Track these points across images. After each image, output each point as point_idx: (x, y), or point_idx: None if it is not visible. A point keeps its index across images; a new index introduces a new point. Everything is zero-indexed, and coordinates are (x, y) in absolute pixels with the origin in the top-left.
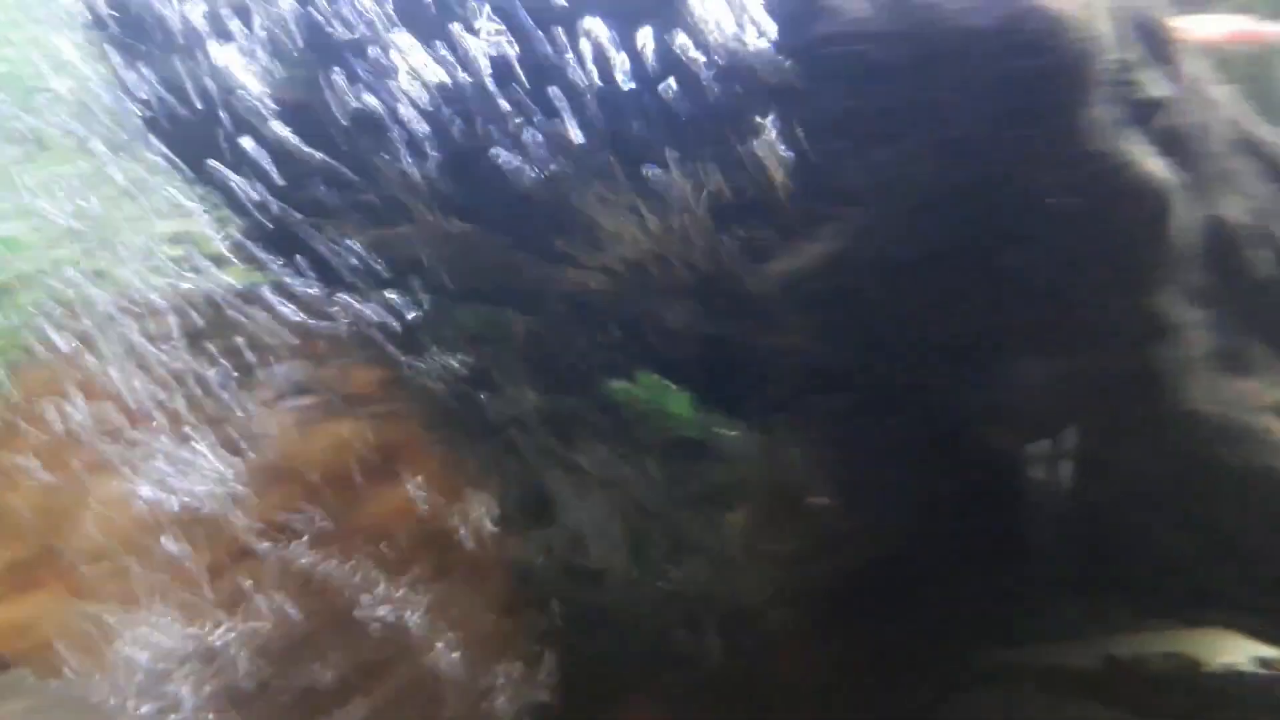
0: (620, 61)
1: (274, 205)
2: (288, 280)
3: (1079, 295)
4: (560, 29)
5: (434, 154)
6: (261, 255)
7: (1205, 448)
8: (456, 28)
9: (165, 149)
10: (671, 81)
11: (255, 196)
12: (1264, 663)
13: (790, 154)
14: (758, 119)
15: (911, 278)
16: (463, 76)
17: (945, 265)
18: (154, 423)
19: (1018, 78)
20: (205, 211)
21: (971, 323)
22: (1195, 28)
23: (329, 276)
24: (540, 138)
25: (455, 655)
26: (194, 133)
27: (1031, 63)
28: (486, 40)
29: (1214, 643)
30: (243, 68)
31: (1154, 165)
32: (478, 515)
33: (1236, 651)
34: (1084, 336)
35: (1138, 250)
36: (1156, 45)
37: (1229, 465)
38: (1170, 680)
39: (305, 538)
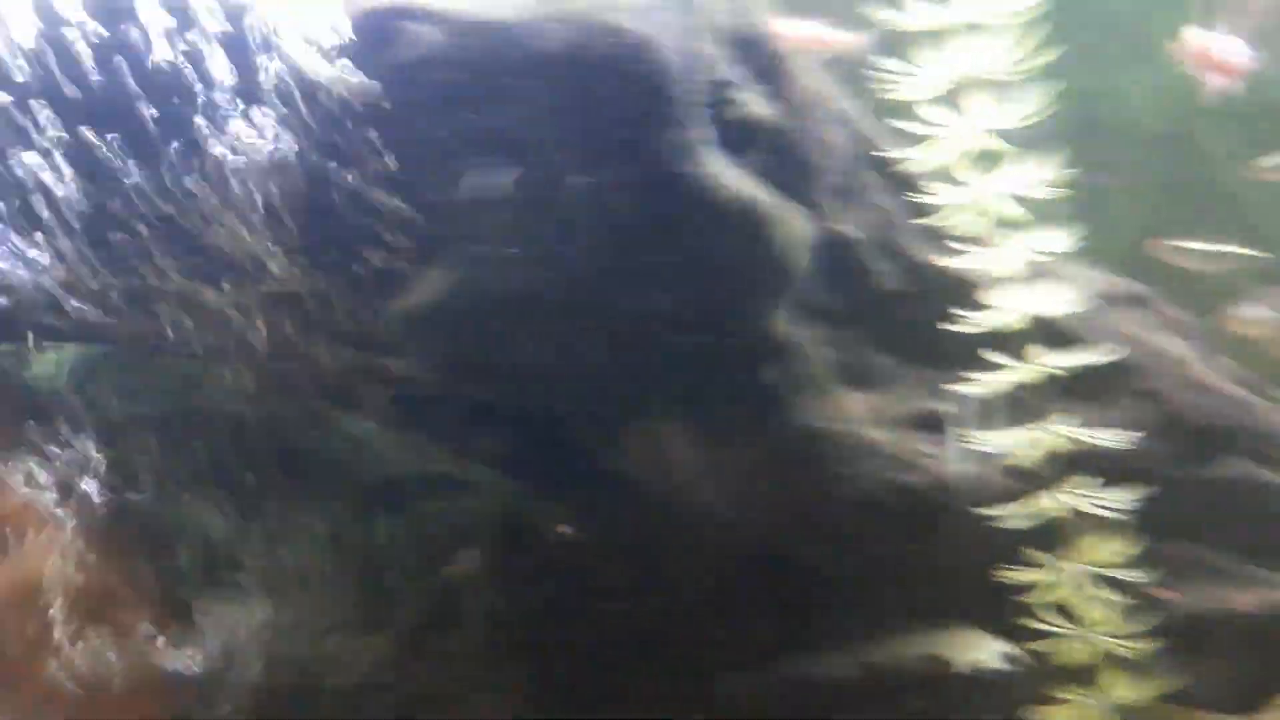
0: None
1: None
2: None
3: (686, 320)
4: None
5: None
6: None
7: (828, 465)
8: None
9: None
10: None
11: None
12: (1008, 658)
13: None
14: (357, 150)
15: (518, 310)
16: None
17: (551, 297)
18: None
19: (592, 102)
20: None
21: (586, 354)
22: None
23: None
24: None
25: None
26: None
27: (605, 86)
28: None
29: (967, 641)
30: None
31: (745, 186)
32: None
33: (985, 648)
34: (697, 361)
35: (736, 272)
36: (765, 64)
37: (853, 481)
38: (923, 682)
39: None
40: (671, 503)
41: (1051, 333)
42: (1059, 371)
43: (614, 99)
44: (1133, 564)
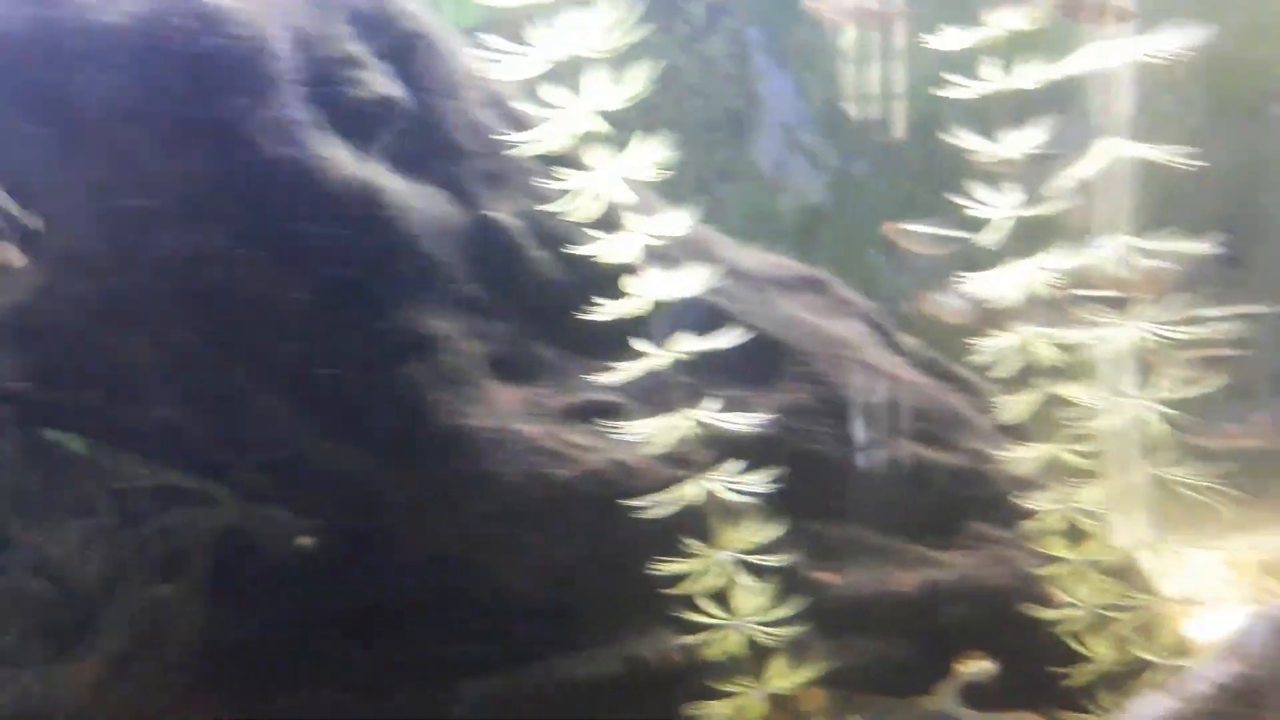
0: None
1: None
2: None
3: (310, 315)
4: None
5: None
6: None
7: (478, 463)
8: None
9: None
10: None
11: None
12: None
13: None
14: None
15: (111, 312)
16: None
17: (150, 297)
18: None
19: (172, 81)
20: None
21: (200, 358)
22: None
23: None
24: None
25: None
26: None
27: (184, 63)
28: None
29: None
30: None
31: (362, 170)
32: None
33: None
34: (331, 359)
35: (359, 263)
36: (402, 43)
37: (504, 478)
38: (684, 672)
39: None
40: (325, 511)
41: (704, 317)
42: (686, 356)
43: (195, 76)
44: (787, 548)
